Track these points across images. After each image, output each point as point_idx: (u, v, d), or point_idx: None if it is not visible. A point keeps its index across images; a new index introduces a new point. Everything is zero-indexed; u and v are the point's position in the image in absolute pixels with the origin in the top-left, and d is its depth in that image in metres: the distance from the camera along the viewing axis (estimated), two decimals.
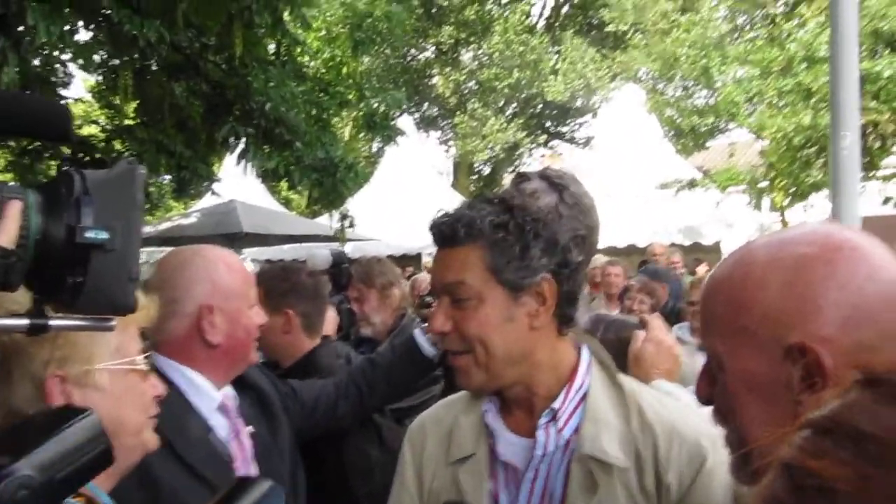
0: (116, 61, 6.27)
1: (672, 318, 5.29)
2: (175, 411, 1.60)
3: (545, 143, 27.59)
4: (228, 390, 1.83)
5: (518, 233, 1.33)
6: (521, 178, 2.05)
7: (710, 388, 0.95)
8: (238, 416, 1.81)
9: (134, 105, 6.87)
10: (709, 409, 0.98)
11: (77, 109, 7.83)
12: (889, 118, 12.40)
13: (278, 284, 2.57)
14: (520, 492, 1.38)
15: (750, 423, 0.89)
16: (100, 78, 7.16)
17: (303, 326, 2.60)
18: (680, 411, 1.39)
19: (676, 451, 1.32)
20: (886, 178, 13.39)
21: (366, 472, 2.41)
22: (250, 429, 1.83)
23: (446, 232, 1.37)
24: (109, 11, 5.10)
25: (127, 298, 0.84)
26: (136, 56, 5.81)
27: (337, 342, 3.37)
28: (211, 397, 1.75)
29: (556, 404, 1.38)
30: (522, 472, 1.39)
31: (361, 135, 11.51)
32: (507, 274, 1.32)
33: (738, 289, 0.90)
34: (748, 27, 14.88)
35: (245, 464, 1.77)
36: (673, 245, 10.74)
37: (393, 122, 8.29)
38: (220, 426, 1.75)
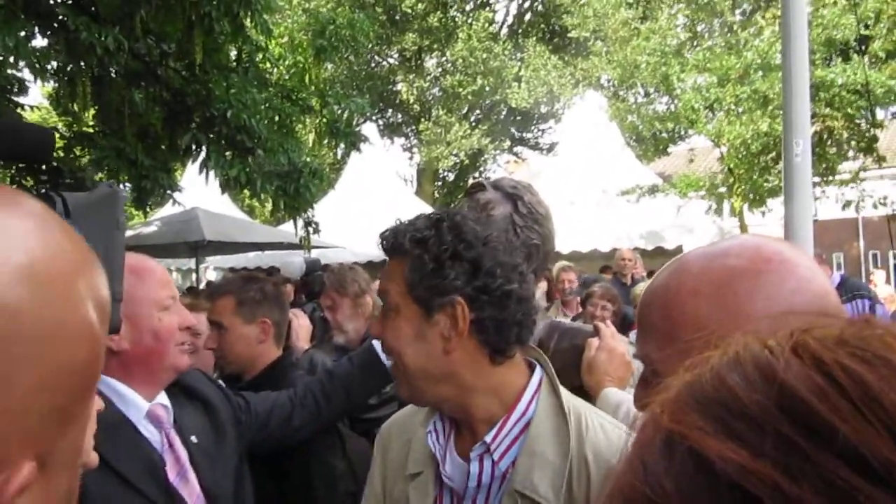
0: (73, 68, 6.18)
1: (627, 322, 5.35)
2: (107, 421, 1.58)
3: (509, 150, 27.74)
4: (162, 399, 1.79)
5: (435, 250, 1.30)
6: (476, 188, 2.08)
7: (647, 396, 0.98)
8: (171, 426, 1.78)
9: (93, 112, 6.78)
10: None
11: (33, 116, 7.68)
12: (843, 125, 12.72)
13: (251, 294, 2.56)
14: None
15: None
16: (56, 85, 7.04)
17: (275, 336, 2.60)
18: (621, 446, 1.31)
19: None
20: (844, 183, 13.71)
21: (330, 484, 2.40)
22: (193, 438, 1.81)
23: (383, 242, 1.40)
24: (65, 19, 5.03)
25: (112, 319, 0.84)
26: (94, 63, 5.74)
27: (313, 351, 3.36)
28: (137, 406, 1.71)
29: (488, 437, 1.34)
30: (461, 498, 1.38)
31: (325, 142, 11.44)
32: (419, 291, 1.31)
33: (673, 298, 0.93)
34: (706, 35, 15.13)
35: (181, 474, 1.74)
36: (636, 249, 10.89)
37: (357, 129, 8.27)
38: (152, 435, 1.72)
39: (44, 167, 5.51)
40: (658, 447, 0.42)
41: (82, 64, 5.77)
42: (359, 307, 3.64)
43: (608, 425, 1.38)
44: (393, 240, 1.36)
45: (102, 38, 4.93)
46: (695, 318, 0.89)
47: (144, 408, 1.73)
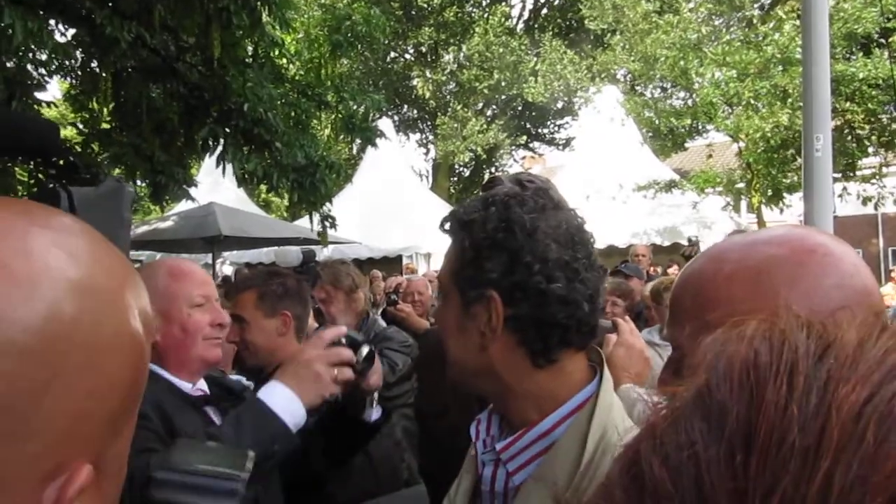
0: (94, 64, 6.21)
1: (641, 318, 5.32)
2: (172, 398, 1.82)
3: (525, 145, 27.67)
4: (202, 385, 1.99)
5: (476, 237, 1.20)
6: (493, 181, 2.07)
7: (674, 381, 0.95)
8: (215, 411, 1.96)
9: (108, 109, 6.82)
10: None
11: (51, 113, 7.74)
12: (863, 119, 12.58)
13: (272, 289, 2.59)
14: None
15: None
16: (74, 81, 7.09)
17: (296, 329, 2.62)
18: None
19: None
20: (865, 179, 13.57)
21: (345, 478, 2.40)
22: None
23: (443, 224, 1.30)
24: (86, 12, 5.06)
25: None
26: (116, 58, 5.77)
27: None
28: (182, 387, 1.92)
29: (499, 445, 1.24)
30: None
31: (341, 137, 11.46)
32: (459, 279, 1.22)
33: (707, 284, 0.90)
34: (725, 29, 15.00)
35: None
36: (652, 245, 10.84)
37: (373, 124, 8.28)
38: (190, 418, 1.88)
39: (61, 162, 5.55)
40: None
41: (105, 58, 5.80)
42: (352, 302, 3.69)
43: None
44: (449, 219, 1.27)
45: (125, 32, 4.95)
46: (728, 303, 0.86)
47: (188, 388, 1.92)
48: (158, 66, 5.97)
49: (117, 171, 5.93)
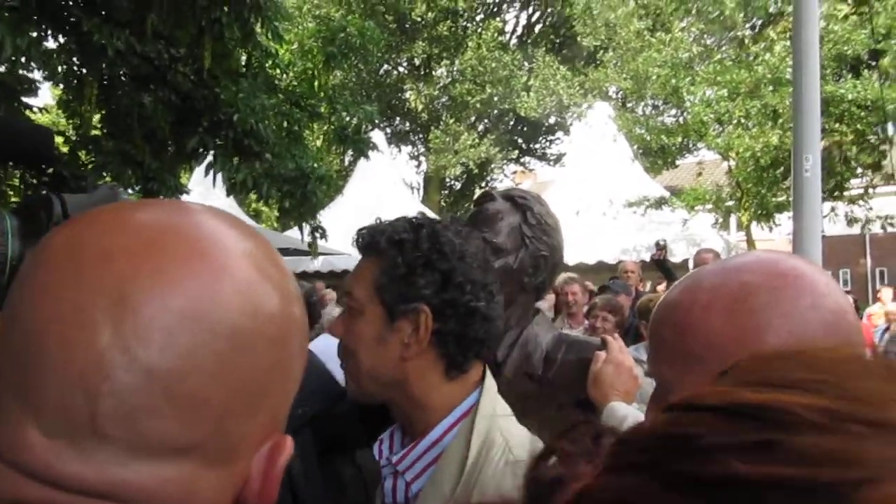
0: (83, 71, 6.19)
1: (631, 333, 5.32)
2: None
3: (517, 160, 27.75)
4: None
5: (410, 255, 1.28)
6: (485, 198, 2.07)
7: None
8: None
9: (100, 116, 6.79)
10: None
11: (44, 119, 7.71)
12: (852, 140, 12.69)
13: None
14: None
15: None
16: (64, 88, 7.06)
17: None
18: (507, 489, 1.25)
19: None
20: (853, 200, 13.68)
21: (341, 489, 2.38)
22: None
23: (359, 239, 1.38)
24: (75, 20, 5.04)
25: None
26: (103, 66, 5.74)
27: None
28: None
29: (395, 457, 1.34)
30: None
31: (333, 148, 11.47)
32: (386, 294, 1.29)
33: (685, 315, 0.90)
34: (717, 49, 15.13)
35: None
36: (642, 262, 10.86)
37: (366, 136, 8.28)
38: None
39: (49, 171, 5.52)
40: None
41: (92, 66, 5.78)
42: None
43: (509, 469, 1.25)
44: (370, 238, 1.34)
45: (114, 41, 4.94)
46: (707, 335, 0.87)
47: None
48: (150, 74, 5.96)
49: (105, 179, 5.90)
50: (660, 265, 6.96)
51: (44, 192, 0.87)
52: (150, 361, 0.49)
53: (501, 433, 1.30)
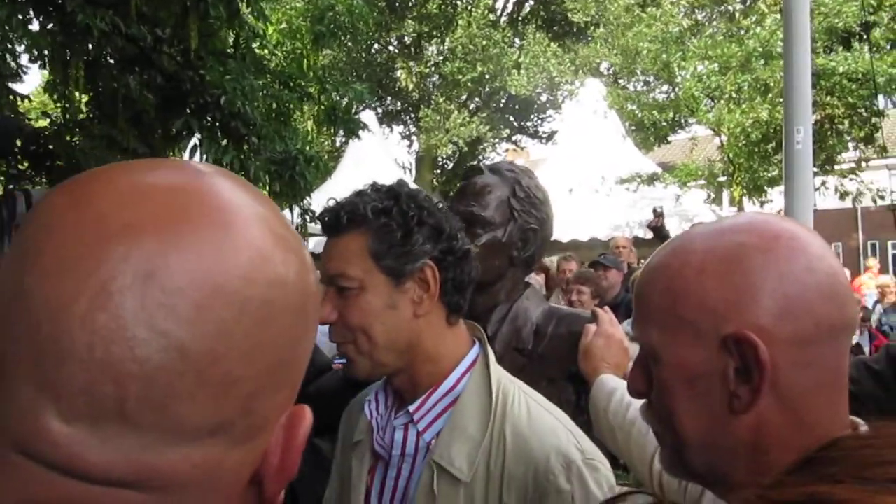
0: (68, 51, 6.12)
1: (622, 308, 5.36)
2: None
3: (509, 138, 27.65)
4: None
5: (401, 219, 1.33)
6: (473, 171, 2.05)
7: (644, 382, 0.93)
8: None
9: (87, 99, 6.72)
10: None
11: (31, 105, 7.63)
12: (843, 113, 12.67)
13: None
14: (383, 486, 1.41)
15: (684, 415, 0.87)
16: (49, 70, 6.99)
17: None
18: (545, 430, 1.33)
19: (523, 472, 1.28)
20: (844, 174, 13.68)
21: (325, 469, 2.38)
22: None
23: (330, 220, 1.38)
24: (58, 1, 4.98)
25: None
26: (89, 47, 5.67)
27: None
28: None
29: (412, 406, 1.38)
30: (386, 466, 1.42)
31: (323, 129, 11.40)
32: (388, 260, 1.32)
33: (676, 277, 0.88)
34: (708, 23, 15.04)
35: None
36: (635, 238, 10.87)
37: (356, 116, 8.22)
38: None
39: (40, 151, 5.47)
40: None
41: (77, 47, 5.71)
42: None
43: (535, 406, 1.38)
44: (350, 213, 1.35)
45: (98, 21, 4.88)
46: (701, 297, 0.85)
47: None
48: (136, 55, 5.89)
49: (91, 164, 5.85)
50: (657, 232, 6.97)
51: (10, 187, 0.84)
52: (183, 342, 0.46)
53: (510, 380, 1.41)
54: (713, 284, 0.84)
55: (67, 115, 6.77)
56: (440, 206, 1.43)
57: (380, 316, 1.33)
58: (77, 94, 6.45)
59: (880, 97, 13.22)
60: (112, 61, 6.07)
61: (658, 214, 6.97)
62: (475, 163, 2.10)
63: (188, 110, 5.95)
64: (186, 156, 6.39)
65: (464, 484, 1.28)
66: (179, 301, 0.47)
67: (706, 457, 0.87)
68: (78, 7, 4.89)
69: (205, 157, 5.90)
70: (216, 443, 0.50)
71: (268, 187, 6.84)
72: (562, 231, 11.40)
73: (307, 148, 7.22)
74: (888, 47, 12.47)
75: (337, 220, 1.36)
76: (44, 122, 7.27)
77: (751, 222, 0.89)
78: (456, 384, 1.38)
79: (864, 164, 13.71)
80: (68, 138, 6.21)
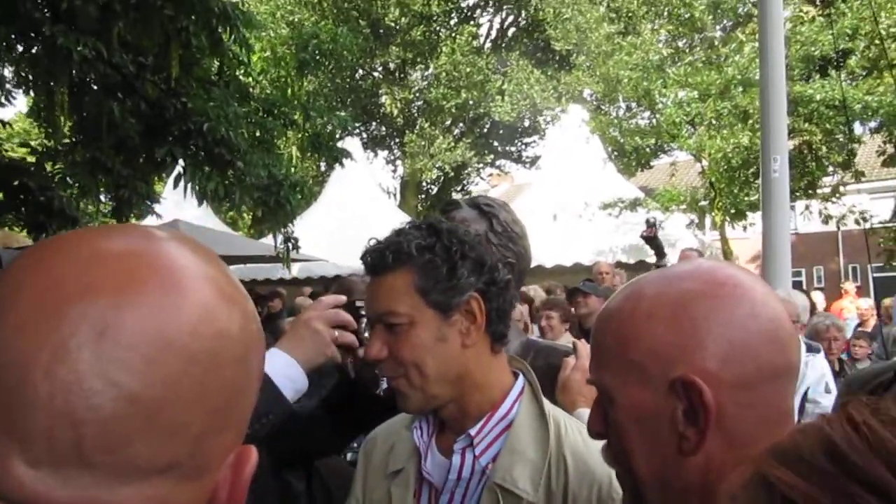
0: (51, 77, 6.12)
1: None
2: None
3: (493, 163, 27.81)
4: None
5: (445, 254, 1.36)
6: (451, 205, 2.07)
7: (602, 423, 0.96)
8: None
9: (70, 125, 6.70)
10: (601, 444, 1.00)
11: (15, 129, 7.60)
12: (821, 139, 12.86)
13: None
14: None
15: (639, 456, 0.90)
16: (33, 96, 6.97)
17: None
18: (598, 451, 1.39)
19: (587, 491, 1.33)
20: (825, 198, 13.85)
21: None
22: None
23: (374, 260, 1.39)
24: (39, 26, 4.99)
25: None
26: (71, 72, 5.67)
27: None
28: None
29: (472, 430, 1.41)
30: (440, 492, 1.42)
31: (308, 155, 11.44)
32: (435, 295, 1.35)
33: (627, 322, 0.91)
34: (688, 50, 15.27)
35: None
36: (618, 264, 10.92)
37: (339, 143, 8.26)
38: None
39: (15, 183, 5.44)
40: (742, 483, 0.61)
41: (60, 72, 5.71)
42: None
43: (585, 431, 1.41)
44: (395, 252, 1.37)
45: (80, 48, 4.90)
46: (650, 342, 0.88)
47: None
48: (118, 82, 5.90)
49: (70, 191, 5.83)
50: (650, 242, 7.00)
51: None
52: (134, 391, 0.51)
53: (554, 408, 1.49)
54: (661, 330, 0.88)
55: (51, 141, 6.76)
56: (477, 239, 1.47)
57: (431, 349, 1.36)
58: (62, 118, 6.45)
59: (856, 123, 13.45)
60: (95, 87, 6.08)
61: (651, 225, 7.02)
62: (462, 190, 2.12)
63: (171, 138, 5.96)
64: (170, 183, 6.38)
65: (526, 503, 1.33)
66: (131, 355, 0.52)
67: (661, 500, 0.90)
68: (60, 32, 4.91)
69: (189, 184, 5.89)
70: (167, 480, 0.54)
71: (251, 214, 6.84)
72: (546, 256, 11.43)
73: (292, 172, 7.24)
74: (864, 74, 12.72)
75: (382, 260, 1.38)
76: (23, 151, 7.24)
77: (698, 270, 0.94)
78: (509, 410, 1.43)
79: (842, 188, 13.90)
80: (49, 167, 6.18)
